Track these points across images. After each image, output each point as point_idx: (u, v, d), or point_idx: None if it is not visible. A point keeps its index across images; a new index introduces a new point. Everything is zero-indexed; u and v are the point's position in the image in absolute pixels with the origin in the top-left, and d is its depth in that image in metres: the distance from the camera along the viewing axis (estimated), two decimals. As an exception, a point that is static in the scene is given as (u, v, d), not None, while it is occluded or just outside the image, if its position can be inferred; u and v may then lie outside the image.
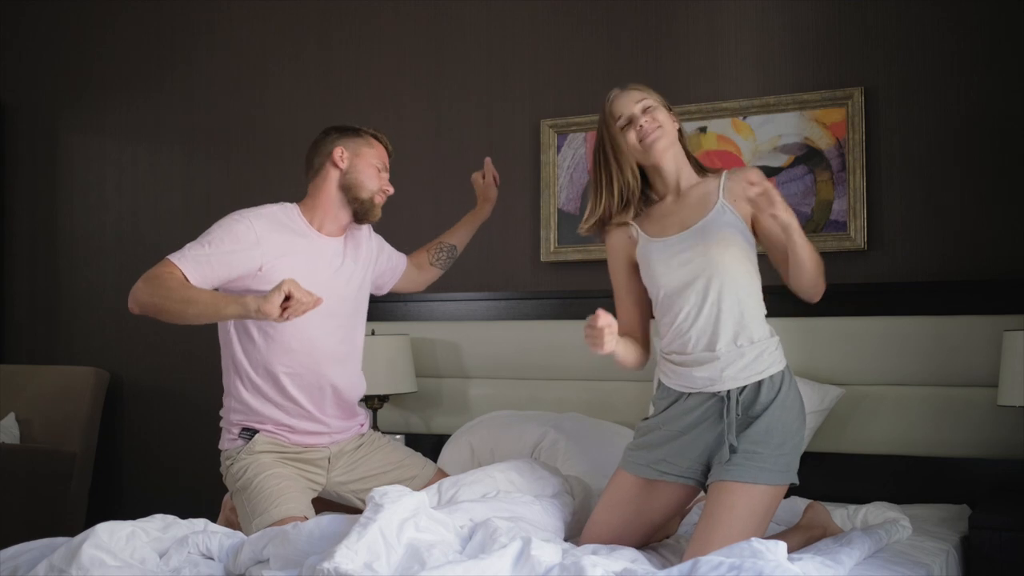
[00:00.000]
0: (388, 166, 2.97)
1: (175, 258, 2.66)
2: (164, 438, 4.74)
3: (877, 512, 2.76)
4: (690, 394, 2.45)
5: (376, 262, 3.04)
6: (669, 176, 2.52)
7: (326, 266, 2.83)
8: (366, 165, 2.86)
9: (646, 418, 2.61)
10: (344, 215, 2.88)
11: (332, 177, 2.85)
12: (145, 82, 4.86)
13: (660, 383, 2.56)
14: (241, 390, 2.80)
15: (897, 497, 3.09)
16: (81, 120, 5.02)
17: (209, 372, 4.56)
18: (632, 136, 2.47)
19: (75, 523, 4.39)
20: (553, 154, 3.91)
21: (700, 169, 2.57)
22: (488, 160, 3.27)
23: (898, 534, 2.63)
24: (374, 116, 4.29)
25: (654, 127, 2.45)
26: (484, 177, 3.26)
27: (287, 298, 2.42)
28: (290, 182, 4.47)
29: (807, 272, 2.37)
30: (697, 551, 2.23)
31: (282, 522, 2.55)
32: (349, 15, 4.39)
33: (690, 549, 2.29)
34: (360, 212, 2.87)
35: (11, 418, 4.54)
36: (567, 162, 3.89)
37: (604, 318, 2.32)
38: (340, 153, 2.84)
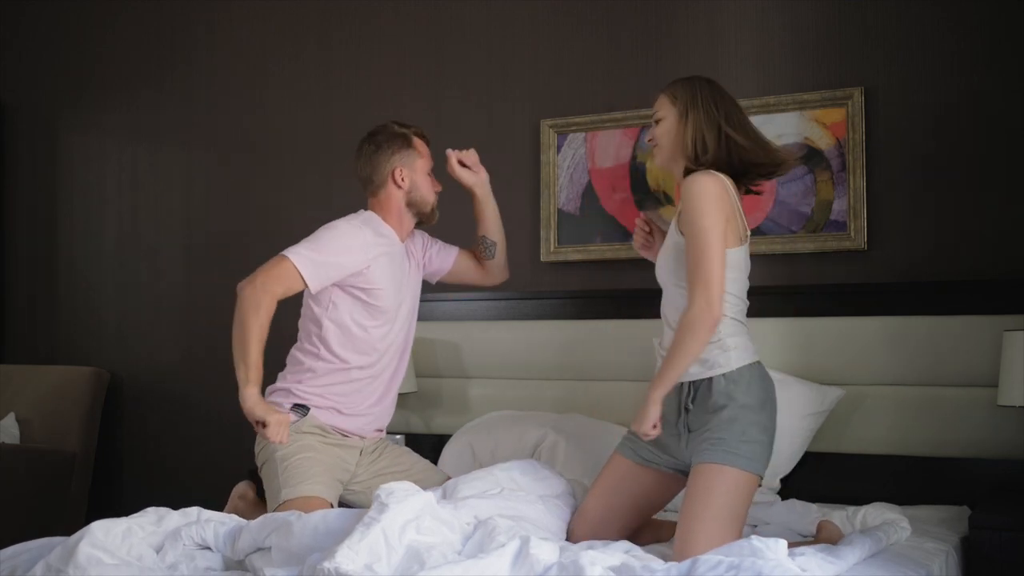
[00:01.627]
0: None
1: (293, 256, 2.81)
2: (164, 438, 4.74)
3: (876, 513, 2.76)
4: None
5: (423, 257, 3.17)
6: (677, 180, 2.66)
7: (404, 266, 3.04)
8: (422, 179, 3.03)
9: None
10: (411, 223, 3.07)
11: (396, 195, 3.01)
12: (145, 82, 4.86)
13: None
14: (318, 368, 2.93)
15: (897, 498, 3.08)
16: (81, 120, 5.02)
17: (209, 372, 4.56)
18: None
19: (75, 523, 4.39)
20: (553, 154, 3.91)
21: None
22: (448, 152, 3.13)
23: (897, 535, 2.62)
24: (374, 116, 4.28)
25: (652, 145, 2.67)
26: (454, 171, 3.13)
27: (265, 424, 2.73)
28: (290, 182, 4.47)
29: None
30: (682, 530, 2.38)
31: (307, 500, 2.69)
32: (349, 15, 4.39)
33: (678, 532, 2.40)
34: (425, 220, 3.08)
35: (11, 418, 4.54)
36: (567, 162, 3.89)
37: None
38: (400, 173, 2.99)
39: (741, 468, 2.42)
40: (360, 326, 2.92)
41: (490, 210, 3.19)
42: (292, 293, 2.84)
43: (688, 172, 2.56)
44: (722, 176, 2.51)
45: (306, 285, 2.82)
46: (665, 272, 2.62)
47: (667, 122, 2.60)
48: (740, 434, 2.45)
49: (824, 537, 2.60)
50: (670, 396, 2.55)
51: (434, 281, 3.29)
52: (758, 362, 2.56)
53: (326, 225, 2.94)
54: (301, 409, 2.90)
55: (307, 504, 2.66)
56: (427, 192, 3.03)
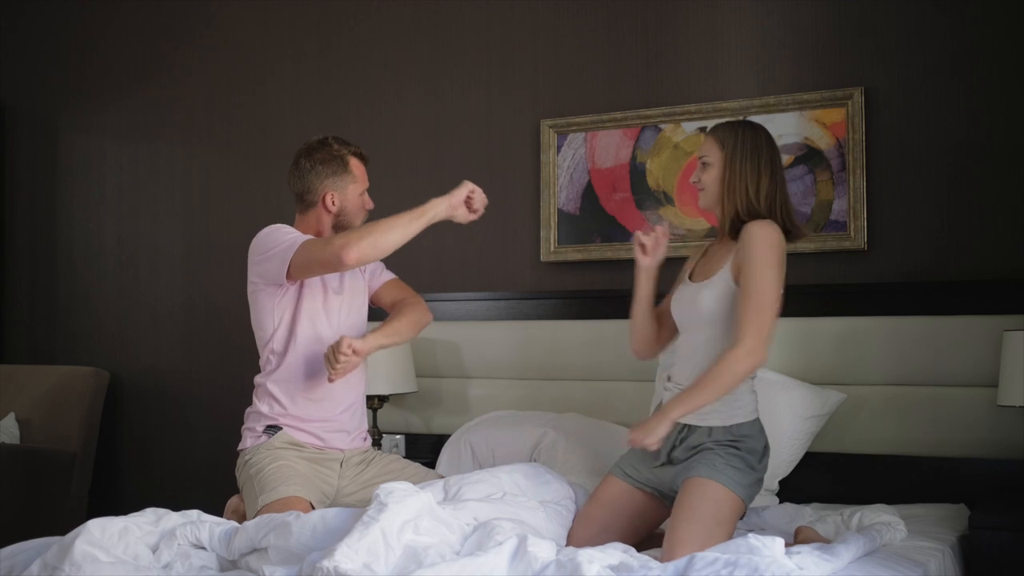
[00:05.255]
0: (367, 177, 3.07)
1: (302, 239, 2.83)
2: (164, 438, 4.74)
3: (872, 515, 2.76)
4: None
5: (364, 272, 3.13)
6: (719, 222, 2.68)
7: (332, 283, 2.99)
8: (353, 203, 3.01)
9: None
10: None
11: (325, 218, 3.00)
12: (145, 82, 4.86)
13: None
14: (276, 384, 2.90)
15: (896, 497, 3.08)
16: (81, 120, 5.02)
17: (209, 373, 4.57)
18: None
19: (75, 523, 4.31)
20: (553, 154, 3.91)
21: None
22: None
23: (891, 535, 2.62)
24: (374, 116, 4.29)
25: (698, 188, 2.67)
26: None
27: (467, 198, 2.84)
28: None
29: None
30: (668, 536, 2.42)
31: (286, 501, 2.63)
32: (349, 15, 4.39)
33: (666, 538, 2.45)
34: None
35: (11, 418, 4.54)
36: (567, 162, 3.89)
37: None
38: (331, 199, 2.98)
39: (726, 486, 2.46)
40: (292, 333, 2.91)
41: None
42: None
43: (738, 219, 2.58)
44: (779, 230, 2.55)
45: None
46: (705, 314, 2.57)
47: (715, 169, 2.61)
48: (731, 460, 2.50)
49: (801, 540, 2.61)
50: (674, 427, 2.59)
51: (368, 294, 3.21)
52: (758, 418, 2.61)
53: (271, 228, 2.91)
54: (272, 429, 2.89)
55: (286, 505, 2.61)
56: (354, 215, 3.00)
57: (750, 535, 1.99)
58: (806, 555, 2.18)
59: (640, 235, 2.76)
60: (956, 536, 2.78)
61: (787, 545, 2.45)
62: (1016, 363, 2.90)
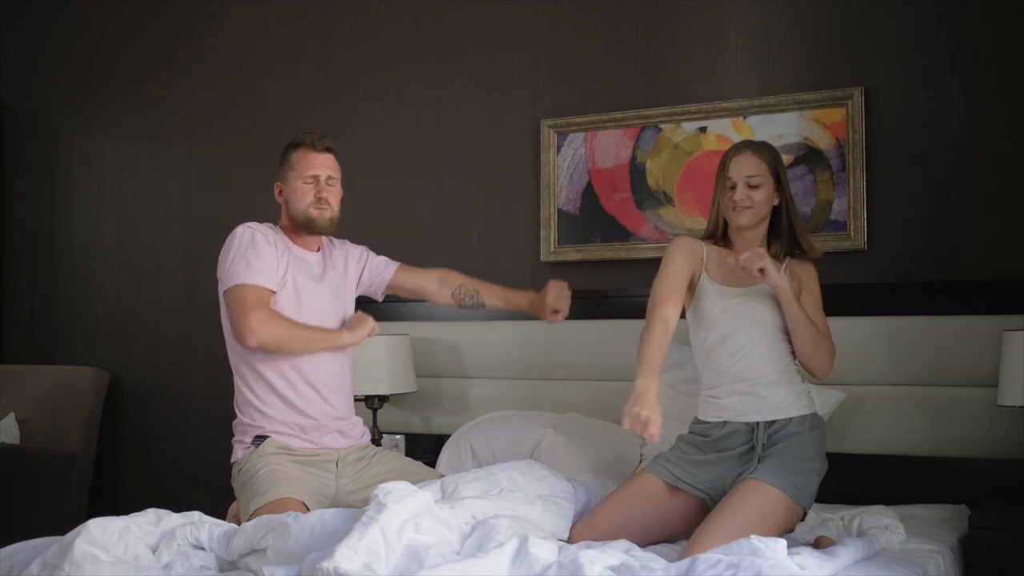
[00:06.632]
0: (328, 164, 3.02)
1: (246, 280, 2.83)
2: (164, 438, 4.74)
3: (871, 518, 2.76)
4: (725, 423, 2.70)
5: (360, 271, 3.17)
6: (748, 241, 2.79)
7: (309, 274, 3.00)
8: (293, 190, 3.00)
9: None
10: (305, 234, 3.03)
11: (283, 210, 3.05)
12: (145, 82, 4.86)
13: (696, 419, 2.80)
14: (257, 394, 2.92)
15: (897, 498, 3.08)
16: (81, 120, 5.02)
17: (209, 372, 4.56)
18: (727, 198, 2.77)
19: (75, 523, 4.31)
20: (553, 154, 3.90)
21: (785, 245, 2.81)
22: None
23: (888, 538, 2.62)
24: (374, 116, 4.29)
25: (745, 205, 2.74)
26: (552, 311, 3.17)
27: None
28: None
29: (799, 340, 2.71)
30: (702, 531, 2.41)
31: (279, 503, 2.62)
32: (349, 15, 4.39)
33: (697, 532, 2.44)
34: (306, 229, 3.00)
35: (11, 418, 4.54)
36: (567, 162, 3.89)
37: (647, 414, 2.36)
38: (278, 191, 3.04)
39: (786, 493, 2.51)
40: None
41: (509, 306, 3.30)
42: (268, 302, 2.86)
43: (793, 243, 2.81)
44: None
45: (272, 291, 2.87)
46: (774, 317, 2.72)
47: (766, 189, 2.74)
48: (793, 460, 2.58)
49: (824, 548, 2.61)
50: (742, 429, 2.67)
51: (379, 297, 3.24)
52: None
53: (232, 236, 2.93)
54: (260, 439, 2.88)
55: (279, 506, 2.59)
56: (296, 203, 2.96)
57: (753, 537, 1.99)
58: (806, 556, 2.19)
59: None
60: (957, 538, 2.77)
61: (790, 547, 2.47)
62: (1016, 363, 2.90)
